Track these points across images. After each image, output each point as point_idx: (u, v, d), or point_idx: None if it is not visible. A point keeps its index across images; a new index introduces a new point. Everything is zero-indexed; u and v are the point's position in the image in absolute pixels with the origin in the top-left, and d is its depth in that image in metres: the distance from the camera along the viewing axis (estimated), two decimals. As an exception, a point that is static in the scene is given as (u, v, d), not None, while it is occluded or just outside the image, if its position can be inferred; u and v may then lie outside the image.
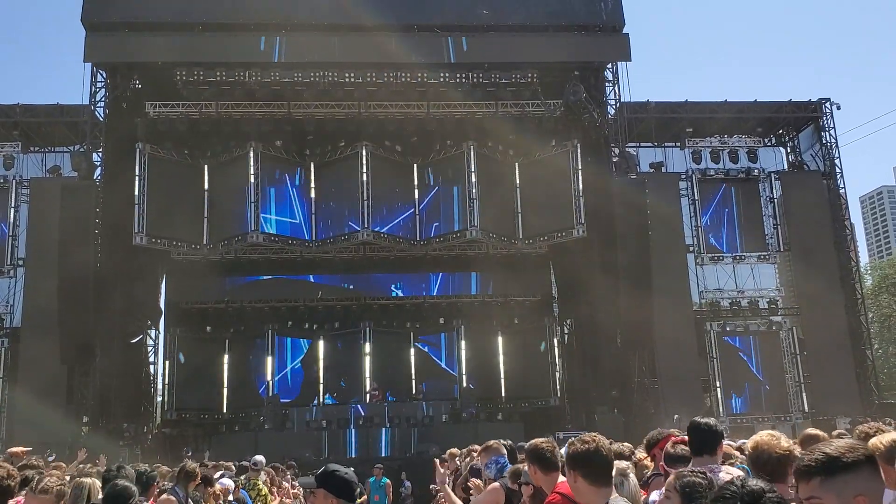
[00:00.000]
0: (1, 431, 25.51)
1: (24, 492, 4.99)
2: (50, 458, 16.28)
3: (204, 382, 29.10)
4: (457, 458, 10.23)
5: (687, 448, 5.20)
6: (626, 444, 7.38)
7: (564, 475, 5.43)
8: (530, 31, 27.67)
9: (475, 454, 7.92)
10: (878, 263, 68.84)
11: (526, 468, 5.82)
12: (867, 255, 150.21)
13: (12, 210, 27.53)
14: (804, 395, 28.14)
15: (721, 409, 27.25)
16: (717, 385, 27.82)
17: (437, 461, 7.48)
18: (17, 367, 25.73)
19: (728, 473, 4.63)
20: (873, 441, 4.10)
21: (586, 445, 3.97)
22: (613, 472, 4.33)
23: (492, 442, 7.36)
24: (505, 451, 7.12)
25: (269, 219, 27.93)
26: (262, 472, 12.14)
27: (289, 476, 15.48)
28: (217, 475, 10.28)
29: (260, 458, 12.19)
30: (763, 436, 4.64)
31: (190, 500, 7.87)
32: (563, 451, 6.56)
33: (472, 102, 27.80)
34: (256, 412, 27.47)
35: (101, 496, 5.68)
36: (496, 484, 6.35)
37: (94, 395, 25.09)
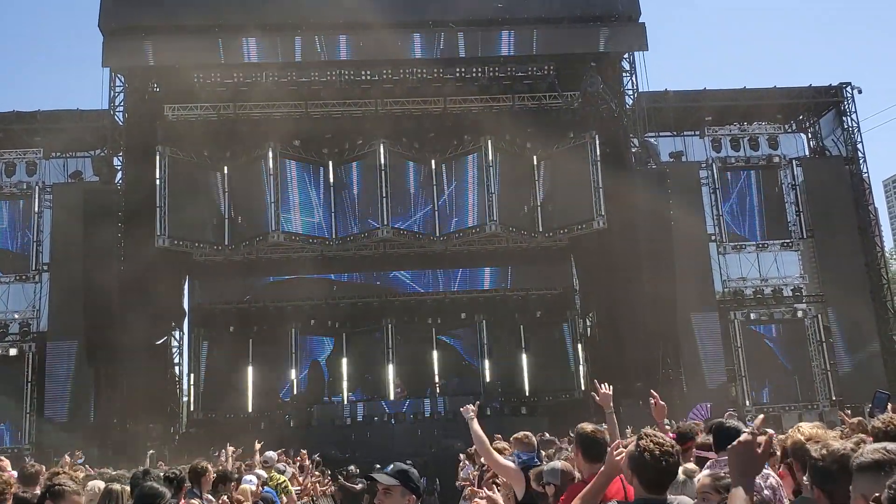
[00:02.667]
0: (31, 435, 25.80)
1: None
2: (79, 461, 16.46)
3: (229, 382, 29.25)
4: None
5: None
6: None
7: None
8: (545, 23, 27.55)
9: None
10: (903, 248, 67.96)
11: (545, 470, 5.74)
12: (892, 239, 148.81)
13: (35, 216, 27.86)
14: (831, 382, 27.88)
15: (747, 399, 27.08)
16: (743, 374, 27.61)
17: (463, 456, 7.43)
18: (44, 371, 26.03)
19: None
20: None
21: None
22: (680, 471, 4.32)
23: (521, 435, 7.17)
24: (535, 447, 7.03)
25: (290, 218, 27.98)
26: (274, 467, 12.23)
27: (315, 472, 15.55)
28: (247, 477, 10.32)
29: (271, 454, 12.32)
30: (807, 428, 4.67)
31: (210, 497, 7.93)
32: None
33: (488, 97, 27.75)
34: (281, 410, 27.64)
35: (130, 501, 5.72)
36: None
37: (121, 397, 25.32)
